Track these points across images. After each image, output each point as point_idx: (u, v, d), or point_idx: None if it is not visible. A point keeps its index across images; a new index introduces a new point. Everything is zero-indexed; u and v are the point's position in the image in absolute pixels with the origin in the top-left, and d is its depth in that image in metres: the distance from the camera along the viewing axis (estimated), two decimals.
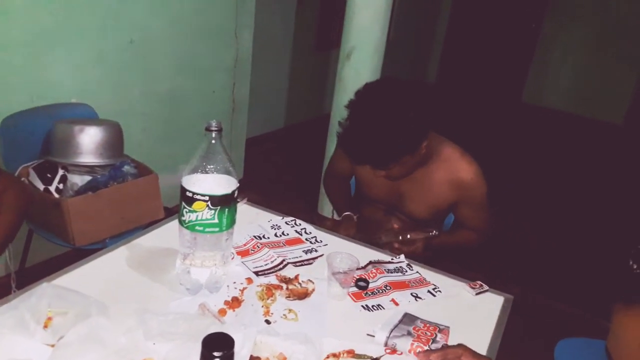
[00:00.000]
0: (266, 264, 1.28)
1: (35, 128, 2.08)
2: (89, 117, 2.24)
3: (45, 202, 1.90)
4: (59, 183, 1.94)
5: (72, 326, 0.86)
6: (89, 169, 2.01)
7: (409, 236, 1.54)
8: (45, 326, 0.90)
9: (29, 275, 1.48)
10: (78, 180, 1.98)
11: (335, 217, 1.88)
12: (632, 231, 3.25)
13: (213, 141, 1.05)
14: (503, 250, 3.21)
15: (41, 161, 2.02)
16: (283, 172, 3.98)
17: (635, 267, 0.59)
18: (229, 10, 3.00)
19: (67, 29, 2.22)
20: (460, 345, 1.01)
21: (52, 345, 0.86)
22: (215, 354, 0.50)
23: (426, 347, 1.02)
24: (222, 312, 1.07)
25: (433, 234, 1.55)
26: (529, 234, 3.51)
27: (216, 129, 1.04)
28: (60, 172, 1.96)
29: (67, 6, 2.20)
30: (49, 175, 1.96)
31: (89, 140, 1.97)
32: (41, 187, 1.93)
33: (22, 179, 1.95)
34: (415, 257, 1.45)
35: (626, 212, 3.90)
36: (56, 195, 1.92)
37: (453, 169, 1.55)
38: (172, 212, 1.70)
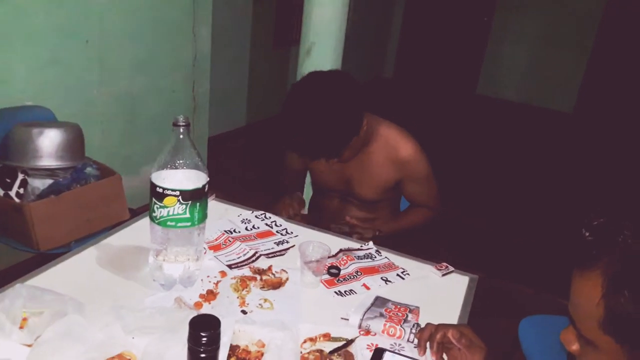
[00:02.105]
0: (239, 257, 1.30)
1: None
2: (47, 120, 2.19)
3: (6, 207, 1.85)
4: (19, 187, 1.90)
5: (49, 325, 0.86)
6: (50, 172, 1.96)
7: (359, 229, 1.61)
8: (21, 327, 0.89)
9: None
10: (39, 184, 1.93)
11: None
12: (583, 209, 3.41)
13: (181, 136, 1.05)
14: (463, 237, 3.33)
15: None
16: (247, 170, 3.98)
17: (587, 234, 0.65)
18: (186, 8, 2.97)
19: (20, 29, 2.16)
20: (461, 326, 1.03)
21: (30, 345, 0.86)
22: (203, 333, 0.52)
23: (398, 327, 1.06)
24: (198, 305, 1.08)
25: (377, 232, 1.62)
26: (487, 222, 3.64)
27: (184, 124, 1.05)
28: (20, 176, 1.91)
29: (19, 6, 2.14)
30: (8, 180, 1.91)
31: (48, 143, 1.93)
32: (0, 192, 1.88)
33: None
34: (382, 242, 1.50)
35: (576, 195, 4.09)
36: (17, 200, 1.87)
37: (392, 147, 1.61)
38: (136, 214, 1.69)
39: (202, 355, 0.53)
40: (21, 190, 1.90)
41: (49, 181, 1.95)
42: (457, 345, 0.96)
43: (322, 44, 2.74)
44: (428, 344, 1.01)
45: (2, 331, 0.85)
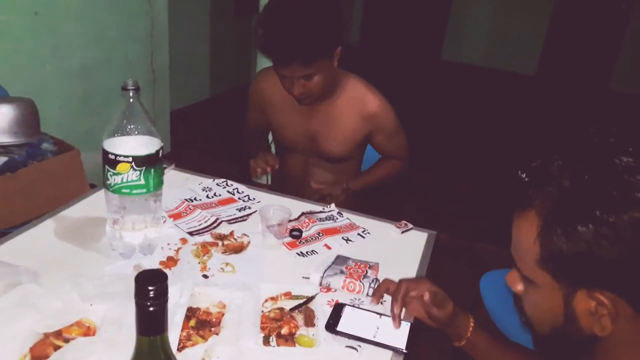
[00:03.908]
0: (200, 224, 1.30)
1: None
2: None
3: None
4: None
5: (2, 295, 0.85)
6: (4, 149, 1.90)
7: (326, 193, 1.62)
8: None
9: None
10: None
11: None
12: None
13: (131, 100, 1.03)
14: (428, 199, 3.39)
15: None
16: (213, 142, 3.93)
17: (524, 176, 0.67)
18: None
19: None
20: (421, 279, 1.05)
21: None
22: (150, 287, 0.53)
23: (358, 282, 1.09)
24: None
25: (345, 187, 1.63)
26: (453, 184, 3.71)
27: (133, 87, 1.02)
28: None
29: None
30: None
31: (1, 119, 1.87)
32: None
33: None
34: (346, 205, 1.52)
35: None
36: None
37: (360, 101, 1.61)
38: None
39: (150, 309, 0.53)
40: None
41: (3, 158, 1.89)
42: (427, 301, 0.97)
43: None
44: (386, 297, 1.04)
45: None
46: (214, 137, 4.02)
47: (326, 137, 1.65)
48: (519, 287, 0.76)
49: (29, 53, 2.37)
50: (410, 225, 1.37)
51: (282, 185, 1.73)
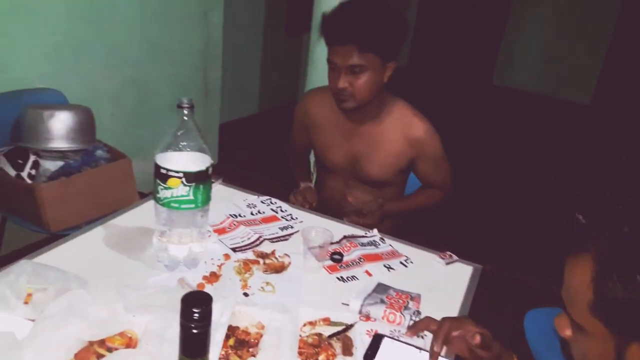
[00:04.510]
0: (243, 241, 1.31)
1: (3, 114, 2.04)
2: (59, 103, 2.21)
3: (18, 188, 1.89)
4: (31, 169, 1.92)
5: (53, 301, 0.88)
6: (61, 154, 1.99)
7: (363, 211, 1.59)
8: (26, 302, 0.92)
9: (4, 263, 1.47)
10: (50, 165, 1.96)
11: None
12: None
13: (185, 118, 1.06)
14: (473, 228, 3.31)
15: (11, 147, 1.99)
16: (258, 157, 3.99)
17: (581, 218, 0.64)
18: None
19: (33, 13, 2.18)
20: (462, 318, 1.00)
21: (34, 320, 0.88)
22: (195, 310, 0.53)
23: (399, 313, 1.06)
24: (201, 286, 1.10)
25: (379, 201, 1.61)
26: (500, 213, 3.61)
27: (187, 105, 1.05)
28: (32, 157, 1.94)
29: None
30: (20, 161, 1.94)
31: (60, 126, 1.95)
32: (13, 173, 1.91)
33: None
34: (383, 228, 1.49)
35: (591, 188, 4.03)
36: (29, 181, 1.90)
37: (406, 125, 1.59)
38: (146, 197, 1.71)
39: (194, 331, 0.53)
40: (33, 172, 1.93)
41: (59, 163, 1.98)
42: (472, 344, 0.94)
43: None
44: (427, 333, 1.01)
45: (7, 305, 0.87)
46: (260, 152, 4.08)
47: (368, 159, 1.64)
48: (568, 332, 0.73)
49: (89, 62, 2.48)
50: (455, 257, 1.33)
51: (322, 207, 1.73)
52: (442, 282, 1.26)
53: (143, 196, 2.08)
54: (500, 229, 3.40)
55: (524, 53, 6.65)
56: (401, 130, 1.59)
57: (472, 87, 6.62)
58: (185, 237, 1.12)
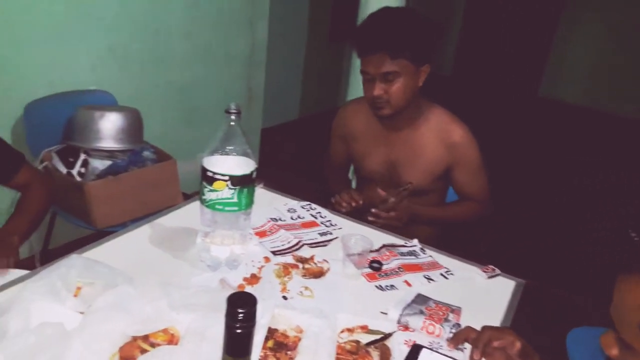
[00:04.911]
0: (283, 245, 1.32)
1: (57, 114, 2.14)
2: (109, 104, 2.29)
3: (68, 185, 1.96)
4: (81, 167, 2.00)
5: (100, 295, 0.91)
6: (110, 153, 2.06)
7: (391, 199, 1.54)
8: (75, 295, 0.95)
9: (52, 256, 1.53)
10: (99, 164, 2.03)
11: None
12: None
13: (232, 123, 1.08)
14: (518, 241, 3.23)
15: (63, 146, 2.08)
16: (297, 162, 4.01)
17: (634, 235, 0.62)
18: (245, 1, 3.03)
19: (85, 18, 2.27)
20: (504, 329, 0.99)
21: (82, 313, 0.91)
22: (240, 310, 0.54)
23: (438, 325, 1.05)
24: (241, 287, 1.11)
25: (408, 185, 1.56)
26: (545, 227, 3.51)
27: (235, 111, 1.08)
28: (82, 156, 2.02)
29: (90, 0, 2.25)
30: (71, 159, 2.02)
31: (109, 126, 2.03)
32: (64, 170, 1.99)
33: (45, 162, 2.01)
34: (423, 238, 1.47)
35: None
36: (78, 179, 1.98)
37: (443, 131, 1.58)
38: (189, 198, 1.75)
39: (238, 331, 0.54)
40: (82, 170, 2.00)
41: (108, 162, 2.05)
42: (516, 353, 0.92)
43: None
44: (466, 344, 0.99)
45: (58, 297, 0.91)
46: (299, 157, 4.11)
47: (406, 166, 1.63)
48: (615, 351, 0.70)
49: (138, 65, 2.56)
50: (497, 271, 1.30)
51: (361, 215, 1.72)
52: (483, 296, 1.24)
53: (186, 197, 2.14)
54: (545, 244, 3.30)
55: (572, 65, 6.47)
56: (438, 135, 1.59)
57: (517, 98, 6.48)
58: (228, 238, 1.14)
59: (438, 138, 1.59)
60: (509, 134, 5.31)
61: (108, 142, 2.04)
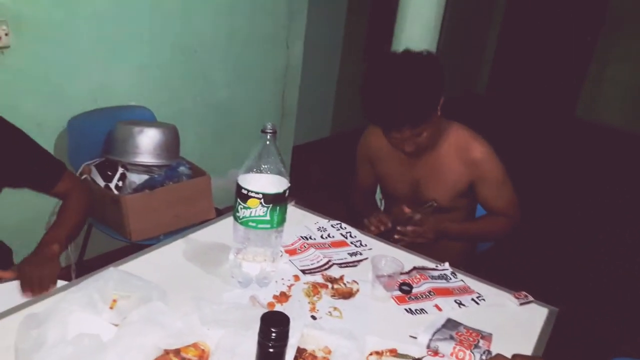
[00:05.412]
0: (312, 264, 1.33)
1: (98, 128, 2.21)
2: (148, 120, 2.36)
3: (105, 198, 2.02)
4: (118, 180, 2.06)
5: (135, 308, 0.93)
6: (147, 168, 2.12)
7: (417, 216, 1.56)
8: (111, 307, 0.98)
9: (88, 267, 1.57)
10: (136, 178, 2.09)
11: None
12: None
13: (267, 142, 1.11)
14: (548, 266, 3.15)
15: (102, 159, 2.15)
16: (328, 180, 4.03)
17: None
18: (282, 22, 3.09)
19: (128, 37, 2.36)
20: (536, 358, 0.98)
21: (117, 325, 0.94)
22: (273, 329, 0.55)
23: (468, 351, 1.03)
24: (271, 305, 1.12)
25: (431, 204, 1.58)
26: (580, 253, 3.41)
27: (271, 131, 1.10)
28: (120, 170, 2.08)
29: (132, 18, 2.34)
30: (109, 172, 2.08)
31: (147, 141, 2.09)
32: (102, 183, 2.06)
33: (84, 176, 2.08)
34: (453, 262, 1.45)
35: None
36: (115, 192, 2.04)
37: (463, 148, 1.59)
38: (221, 213, 1.78)
39: (270, 350, 0.55)
40: (120, 183, 2.06)
41: (145, 177, 2.11)
42: None
43: None
44: None
45: (94, 309, 0.94)
46: (331, 175, 4.12)
47: (428, 185, 1.65)
48: None
49: (176, 83, 2.64)
50: (530, 298, 1.28)
51: (389, 236, 1.72)
52: (515, 323, 1.21)
53: (218, 212, 2.18)
54: (580, 270, 3.21)
55: (610, 86, 6.31)
56: (458, 153, 1.60)
57: (553, 118, 6.36)
58: (259, 255, 1.15)
59: (458, 156, 1.60)
60: (544, 155, 5.21)
61: (146, 157, 2.10)
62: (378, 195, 2.04)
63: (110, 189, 2.06)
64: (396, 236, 1.54)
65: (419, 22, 2.67)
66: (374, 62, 1.52)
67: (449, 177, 1.62)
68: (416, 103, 1.43)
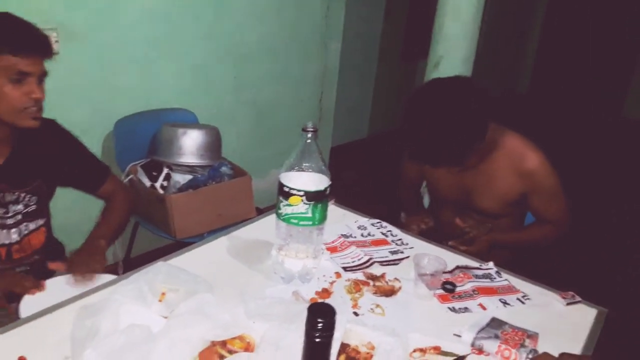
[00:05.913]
0: (353, 261, 1.33)
1: (143, 130, 2.29)
2: (191, 122, 2.42)
3: (151, 197, 2.09)
4: (163, 180, 2.13)
5: (183, 301, 0.96)
6: (191, 168, 2.17)
7: (471, 232, 1.55)
8: (160, 300, 1.01)
9: (134, 264, 1.62)
10: (180, 178, 2.15)
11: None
12: None
13: (308, 141, 1.12)
14: (594, 268, 3.05)
15: (148, 160, 2.22)
16: (366, 180, 4.02)
17: None
18: (319, 24, 3.12)
19: (173, 41, 2.42)
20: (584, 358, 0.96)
21: (166, 317, 0.97)
22: (319, 319, 0.56)
23: (514, 350, 1.02)
24: (313, 300, 1.13)
25: (487, 225, 1.56)
26: (629, 254, 3.29)
27: (312, 130, 1.12)
28: (165, 170, 2.14)
29: (176, 24, 2.40)
30: (154, 173, 2.15)
31: (191, 143, 2.14)
32: (148, 183, 2.12)
33: (131, 175, 2.15)
34: (498, 261, 1.43)
35: None
36: (161, 192, 2.10)
37: (517, 157, 1.54)
38: (261, 212, 1.81)
39: (317, 339, 0.56)
40: (165, 183, 2.13)
41: (188, 177, 2.16)
42: None
43: (451, 57, 2.71)
44: None
45: (144, 301, 0.97)
46: (368, 176, 4.11)
47: (479, 192, 1.61)
48: None
49: (219, 85, 2.69)
50: (577, 298, 1.24)
51: (435, 236, 1.70)
52: (562, 324, 1.18)
53: (259, 211, 2.21)
54: (629, 271, 3.09)
55: None
56: (512, 163, 1.55)
57: (598, 118, 6.15)
58: (301, 252, 1.17)
59: (511, 166, 1.55)
60: (589, 155, 5.04)
61: (189, 158, 2.15)
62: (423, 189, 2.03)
63: (156, 189, 2.12)
64: (450, 243, 1.53)
65: (458, 19, 2.64)
66: (415, 99, 1.47)
67: (501, 187, 1.58)
68: (456, 147, 1.42)
